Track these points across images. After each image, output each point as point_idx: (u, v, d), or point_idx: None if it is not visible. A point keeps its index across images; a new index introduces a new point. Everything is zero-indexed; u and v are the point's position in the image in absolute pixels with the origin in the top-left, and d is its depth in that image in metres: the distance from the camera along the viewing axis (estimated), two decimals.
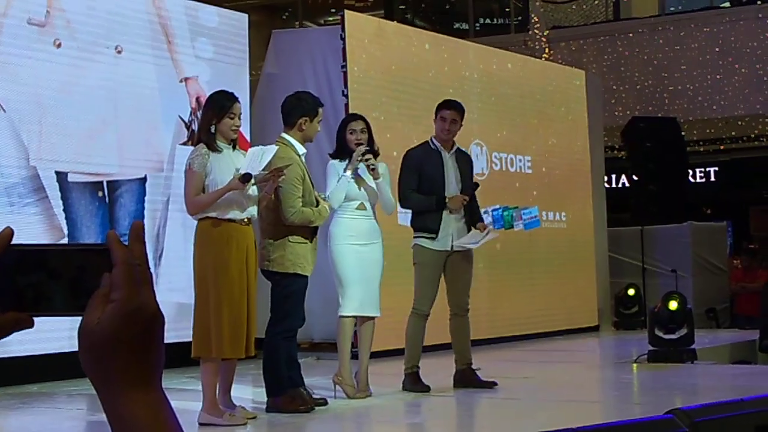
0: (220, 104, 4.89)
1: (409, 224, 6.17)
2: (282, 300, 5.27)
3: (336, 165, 5.71)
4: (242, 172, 4.78)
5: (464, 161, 6.15)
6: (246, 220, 4.88)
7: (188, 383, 6.75)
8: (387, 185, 5.73)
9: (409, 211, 6.25)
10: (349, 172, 5.63)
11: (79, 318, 0.92)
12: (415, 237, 6.07)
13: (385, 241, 6.29)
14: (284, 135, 5.41)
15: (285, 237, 5.24)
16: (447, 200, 5.92)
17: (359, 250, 5.70)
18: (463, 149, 6.40)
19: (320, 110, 5.46)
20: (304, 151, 5.43)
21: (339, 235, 5.69)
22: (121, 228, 7.46)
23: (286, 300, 5.25)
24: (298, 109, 5.40)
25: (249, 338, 4.87)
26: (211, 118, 4.86)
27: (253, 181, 4.82)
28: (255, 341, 5.01)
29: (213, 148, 4.83)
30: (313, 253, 5.42)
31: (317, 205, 5.38)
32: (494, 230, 6.00)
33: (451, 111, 6.09)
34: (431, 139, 6.13)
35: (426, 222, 5.99)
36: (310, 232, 5.34)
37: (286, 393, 5.28)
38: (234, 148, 4.96)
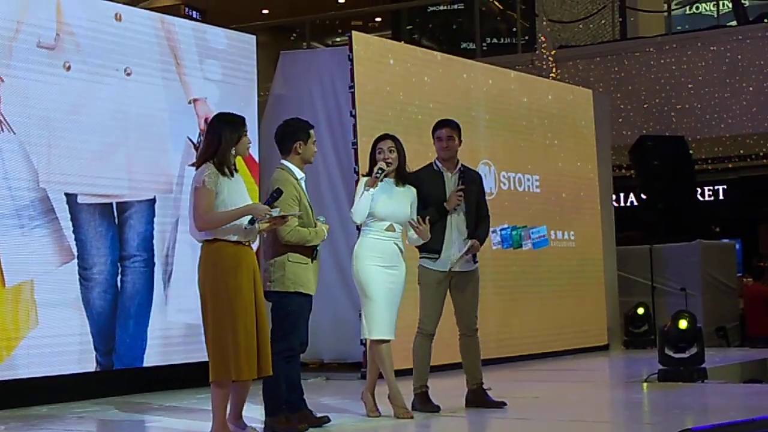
0: (235, 127, 4.91)
1: (413, 244, 6.16)
2: (281, 319, 5.29)
3: (363, 182, 5.77)
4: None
5: (471, 183, 6.13)
6: (248, 241, 4.91)
7: (198, 403, 6.75)
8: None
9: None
10: (372, 189, 5.67)
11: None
12: (419, 257, 6.08)
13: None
14: (283, 161, 5.48)
15: (284, 256, 5.27)
16: (445, 204, 5.92)
17: (386, 272, 5.72)
18: (472, 168, 6.39)
19: (311, 132, 5.53)
20: (303, 175, 5.46)
21: (365, 256, 5.70)
22: (130, 249, 7.48)
23: (286, 319, 5.25)
24: (290, 135, 5.48)
25: (267, 358, 4.85)
26: (231, 142, 4.87)
27: (257, 225, 4.86)
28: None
29: (226, 172, 4.83)
30: (316, 272, 5.43)
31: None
32: (471, 245, 5.95)
33: (445, 129, 6.11)
34: (434, 161, 6.15)
35: (429, 243, 6.00)
36: (310, 251, 5.36)
37: (284, 412, 5.28)
38: (236, 170, 5.00)
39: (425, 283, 6.04)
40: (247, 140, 4.96)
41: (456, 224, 6.01)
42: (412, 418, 5.72)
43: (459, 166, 6.13)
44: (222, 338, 4.75)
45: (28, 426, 6.04)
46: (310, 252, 5.37)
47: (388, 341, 5.73)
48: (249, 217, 4.80)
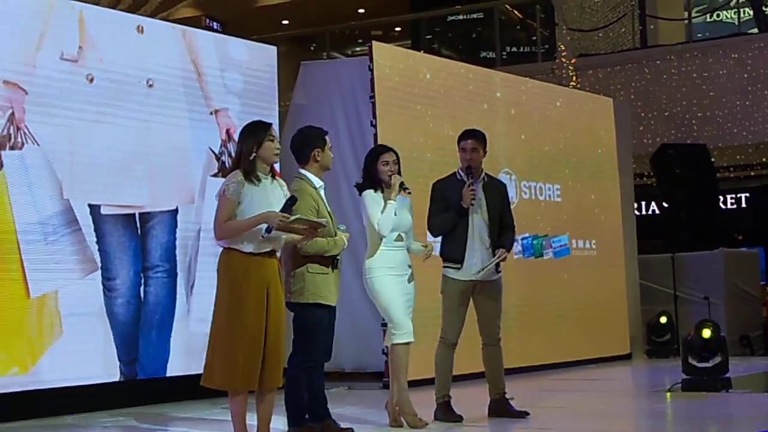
0: (257, 130, 4.92)
1: (436, 253, 6.16)
2: (302, 331, 5.29)
3: (373, 195, 5.74)
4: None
5: (493, 190, 6.13)
6: (268, 252, 4.85)
7: (221, 414, 6.76)
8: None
9: (439, 239, 6.25)
10: (392, 201, 5.68)
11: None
12: (442, 266, 6.09)
13: (414, 270, 6.30)
14: (301, 171, 5.48)
15: (304, 267, 5.27)
16: (462, 203, 5.92)
17: (399, 280, 5.73)
18: (497, 177, 6.39)
19: (327, 138, 5.54)
20: (322, 183, 5.45)
21: (379, 267, 5.70)
22: (153, 259, 7.52)
23: (306, 331, 5.25)
24: (308, 144, 5.48)
25: (273, 370, 4.84)
26: (252, 145, 4.86)
27: (273, 233, 4.79)
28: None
29: (251, 178, 4.82)
30: (336, 282, 5.42)
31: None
32: (500, 254, 5.95)
33: (470, 140, 6.11)
34: (458, 170, 6.15)
35: (451, 252, 6.01)
36: (329, 261, 5.35)
37: (306, 424, 5.28)
38: (273, 177, 4.96)
39: (448, 292, 6.04)
40: (272, 146, 4.89)
41: (478, 233, 6.00)
42: (426, 425, 5.70)
43: (483, 175, 6.14)
44: (216, 346, 4.76)
45: None
46: (330, 262, 5.37)
47: (408, 344, 5.73)
48: (265, 226, 4.77)
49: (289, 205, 4.88)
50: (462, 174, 6.09)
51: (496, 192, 6.14)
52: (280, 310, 4.89)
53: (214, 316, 4.83)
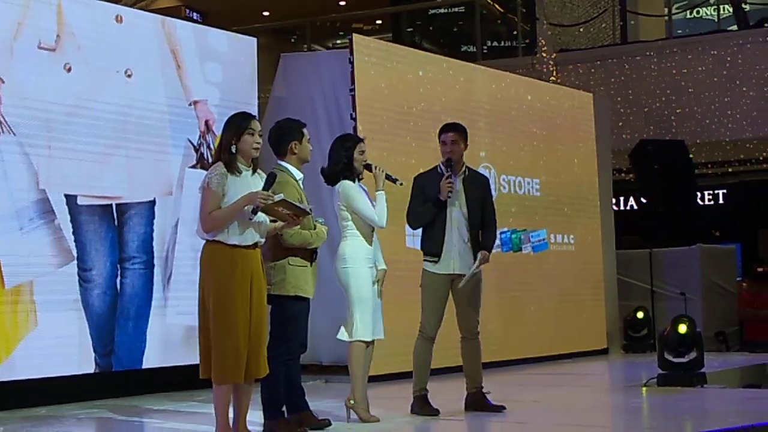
0: (238, 123, 4.89)
1: (415, 246, 6.16)
2: (281, 323, 5.28)
3: (354, 186, 5.72)
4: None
5: (474, 184, 6.12)
6: (252, 245, 4.85)
7: (198, 406, 6.75)
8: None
9: (418, 234, 6.25)
10: (384, 191, 5.68)
11: None
12: (423, 260, 6.09)
13: (394, 264, 6.30)
14: (280, 162, 5.46)
15: (285, 260, 5.25)
16: (438, 195, 5.91)
17: (371, 272, 5.72)
18: (479, 172, 6.37)
19: (305, 130, 5.53)
20: (301, 175, 5.45)
21: (358, 258, 5.67)
22: (130, 251, 7.48)
23: (286, 323, 5.24)
24: (285, 136, 5.48)
25: (258, 362, 4.83)
26: (231, 138, 4.84)
27: (261, 215, 4.78)
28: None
29: (232, 169, 4.80)
30: (314, 275, 5.42)
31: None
32: (481, 258, 5.95)
33: (451, 133, 6.11)
34: (439, 164, 6.14)
35: (429, 245, 6.01)
36: (309, 254, 5.35)
37: (282, 416, 5.27)
38: (254, 170, 4.94)
39: (426, 285, 6.04)
40: (251, 140, 4.85)
41: (457, 226, 6.00)
42: (378, 421, 5.69)
43: (464, 169, 6.13)
44: (206, 339, 4.75)
45: (27, 427, 6.03)
46: (310, 255, 5.37)
47: (372, 342, 5.72)
48: (251, 208, 4.74)
49: (270, 182, 4.88)
50: (443, 168, 6.08)
51: (477, 186, 6.14)
52: (262, 302, 4.88)
53: (201, 309, 4.79)
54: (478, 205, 6.06)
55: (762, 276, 12.35)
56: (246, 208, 4.72)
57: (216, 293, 4.72)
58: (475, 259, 6.01)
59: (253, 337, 4.78)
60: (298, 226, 5.18)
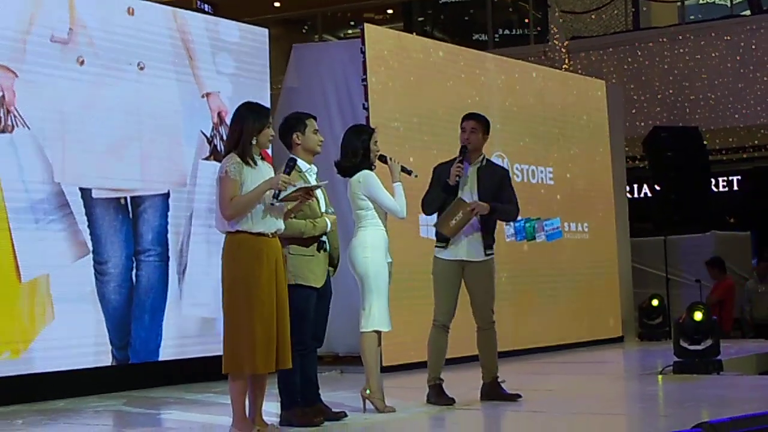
0: (259, 118, 4.89)
1: (428, 236, 6.15)
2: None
3: (375, 176, 5.72)
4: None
5: (489, 175, 6.10)
6: (273, 232, 4.87)
7: (214, 397, 6.78)
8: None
9: (432, 223, 6.24)
10: (400, 183, 5.71)
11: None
12: (434, 247, 6.09)
13: (407, 253, 6.30)
14: (291, 156, 5.46)
15: (285, 249, 5.24)
16: (447, 180, 5.91)
17: (387, 263, 5.73)
18: (494, 161, 6.34)
19: (308, 121, 5.50)
20: (309, 167, 5.43)
21: (379, 247, 5.67)
22: (145, 243, 7.50)
23: (291, 313, 5.21)
24: (287, 128, 5.48)
25: (285, 351, 4.84)
26: (254, 131, 4.84)
27: (279, 199, 4.83)
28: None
29: (249, 161, 4.81)
30: (324, 264, 5.40)
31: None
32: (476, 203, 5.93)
33: (470, 121, 6.11)
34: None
35: (438, 231, 6.00)
36: (310, 242, 5.33)
37: (299, 406, 5.28)
38: (262, 159, 4.96)
39: (436, 272, 6.04)
40: (269, 132, 4.90)
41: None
42: (393, 411, 5.70)
43: (482, 158, 6.10)
44: (237, 331, 4.73)
45: (46, 420, 6.07)
46: (312, 243, 5.34)
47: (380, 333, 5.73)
48: (272, 192, 4.76)
49: (291, 165, 4.94)
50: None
51: (492, 176, 6.10)
52: (285, 291, 4.89)
53: (226, 301, 4.78)
54: (489, 195, 6.02)
55: None
56: (267, 193, 4.72)
57: (244, 283, 4.71)
58: (484, 247, 5.99)
59: (281, 327, 4.79)
60: (293, 215, 5.18)
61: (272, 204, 4.78)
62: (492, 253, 6.09)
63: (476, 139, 6.06)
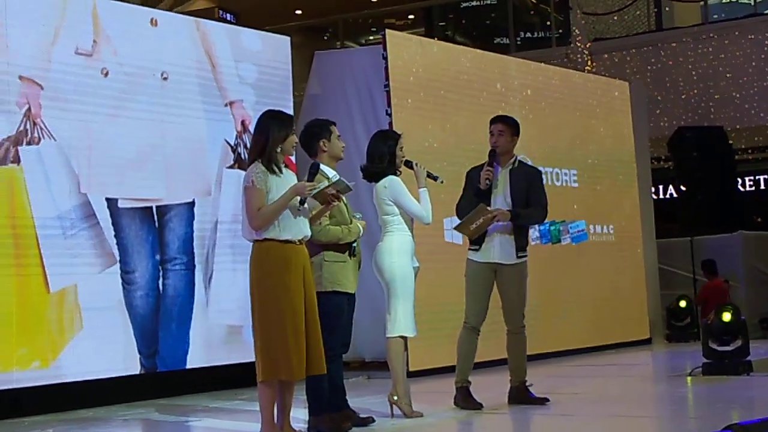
0: (283, 125, 4.91)
1: (454, 241, 6.14)
2: (321, 319, 5.27)
3: (401, 181, 5.74)
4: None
5: (521, 176, 6.08)
6: (300, 239, 4.88)
7: (241, 404, 6.80)
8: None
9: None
10: (426, 188, 5.72)
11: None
12: (468, 249, 6.09)
13: (434, 258, 6.29)
14: (312, 162, 5.48)
15: (320, 255, 5.26)
16: (478, 185, 5.90)
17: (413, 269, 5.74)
18: (530, 165, 6.33)
19: (332, 128, 5.53)
20: (334, 173, 5.44)
21: (406, 252, 5.68)
22: (171, 252, 7.55)
23: (324, 319, 5.21)
24: (313, 136, 5.49)
25: (318, 356, 4.85)
26: (279, 139, 4.86)
27: (306, 204, 4.86)
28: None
29: (274, 170, 4.83)
30: (355, 270, 5.42)
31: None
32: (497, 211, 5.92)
33: (498, 123, 6.11)
34: None
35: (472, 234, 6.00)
36: (345, 248, 5.35)
37: (327, 412, 5.29)
38: (286, 166, 4.99)
39: (469, 275, 6.04)
40: (294, 139, 4.93)
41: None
42: (421, 416, 5.70)
43: (513, 160, 6.09)
44: (270, 338, 4.74)
45: (75, 429, 6.11)
46: (346, 249, 5.37)
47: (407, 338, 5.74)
48: (298, 199, 4.79)
49: (313, 172, 5.00)
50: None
51: (524, 177, 6.07)
52: (314, 297, 4.91)
53: (257, 309, 4.79)
54: (522, 197, 6.01)
55: None
56: (293, 200, 4.76)
57: (274, 290, 4.72)
58: (517, 249, 5.98)
59: (312, 333, 4.81)
60: (327, 222, 5.20)
61: (298, 209, 4.80)
62: (525, 255, 6.06)
63: (504, 141, 6.05)
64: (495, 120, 6.18)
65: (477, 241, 5.97)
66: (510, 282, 6.01)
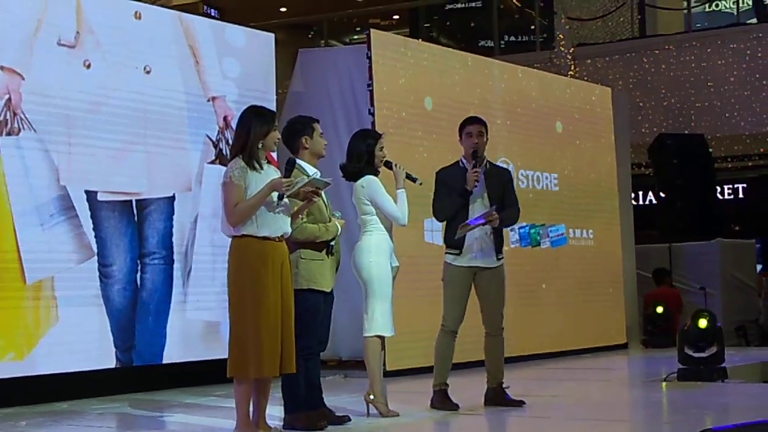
0: (264, 120, 4.90)
1: (434, 242, 6.14)
2: (297, 317, 5.26)
3: (378, 181, 5.73)
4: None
5: (495, 178, 6.10)
6: (279, 237, 4.87)
7: (217, 400, 6.78)
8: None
9: (437, 229, 6.24)
10: (404, 189, 5.71)
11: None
12: (444, 253, 6.08)
13: (413, 259, 6.30)
14: (289, 157, 5.47)
15: (297, 253, 5.25)
16: (466, 186, 5.90)
17: (390, 269, 5.74)
18: (498, 165, 6.34)
19: (315, 125, 5.52)
20: (315, 171, 5.44)
21: (383, 252, 5.68)
22: (150, 246, 7.51)
23: (300, 317, 5.20)
24: (295, 133, 5.49)
25: (290, 355, 4.84)
26: (260, 135, 4.85)
27: (285, 199, 4.85)
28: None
29: (255, 166, 4.82)
30: (332, 268, 5.42)
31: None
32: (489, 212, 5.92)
33: (475, 125, 6.11)
34: (461, 158, 6.13)
35: (450, 238, 5.99)
36: (322, 246, 5.35)
37: (303, 410, 5.28)
38: (268, 163, 4.97)
39: (448, 279, 6.02)
40: (275, 135, 4.93)
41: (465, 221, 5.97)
42: (397, 415, 5.71)
43: (485, 162, 6.10)
44: (243, 335, 4.73)
45: (49, 422, 6.08)
46: (323, 247, 5.36)
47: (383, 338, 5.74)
48: (276, 195, 4.78)
49: (289, 168, 4.98)
50: (465, 161, 6.07)
51: (498, 179, 6.11)
52: (291, 295, 4.90)
53: (233, 304, 4.79)
54: (499, 198, 6.04)
55: None
56: (272, 195, 4.75)
57: (250, 286, 4.71)
58: (496, 252, 5.99)
59: (286, 331, 4.79)
60: (304, 219, 5.19)
61: (278, 203, 4.79)
62: (502, 257, 6.09)
63: (482, 142, 6.07)
64: (473, 121, 6.16)
65: (456, 245, 5.97)
66: (490, 285, 6.03)
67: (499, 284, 6.06)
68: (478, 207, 5.97)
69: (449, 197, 5.97)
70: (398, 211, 5.69)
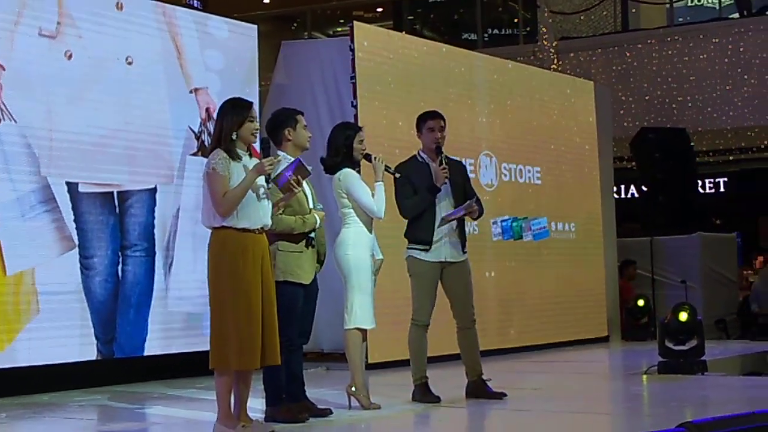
0: (239, 111, 4.89)
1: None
2: (277, 310, 5.26)
3: (355, 174, 5.73)
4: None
5: (455, 171, 6.10)
6: (260, 228, 4.86)
7: (198, 393, 6.77)
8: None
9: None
10: (382, 182, 5.69)
11: None
12: (408, 248, 6.05)
13: (392, 252, 6.29)
14: (278, 152, 5.47)
15: (274, 245, 5.24)
16: (435, 183, 5.89)
17: (371, 262, 5.73)
18: (454, 158, 6.31)
19: (298, 117, 5.52)
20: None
21: (360, 245, 5.67)
22: (131, 238, 7.49)
23: (279, 310, 5.21)
24: (278, 125, 5.49)
25: (273, 347, 4.83)
26: (233, 125, 4.85)
27: (271, 184, 4.87)
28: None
29: (233, 156, 4.81)
30: (312, 260, 5.41)
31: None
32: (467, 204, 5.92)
33: (437, 120, 6.09)
34: (418, 153, 6.11)
35: (420, 234, 5.97)
36: (300, 238, 5.34)
37: (285, 403, 5.28)
38: (250, 155, 4.95)
39: (418, 273, 6.01)
40: (252, 126, 4.89)
41: (445, 213, 5.98)
42: (379, 408, 5.72)
43: (443, 156, 6.08)
44: (224, 327, 4.72)
45: (30, 414, 6.05)
46: (301, 239, 5.35)
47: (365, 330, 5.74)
48: (262, 178, 4.78)
49: (265, 147, 4.97)
50: (423, 155, 6.06)
51: (458, 173, 6.12)
52: (272, 287, 4.89)
53: (212, 296, 4.78)
54: (461, 192, 6.05)
55: None
56: (259, 183, 4.76)
57: (229, 278, 4.70)
58: (461, 246, 6.01)
59: (268, 323, 4.78)
60: (282, 210, 5.18)
61: (269, 188, 4.79)
62: (467, 252, 6.11)
63: (444, 136, 6.07)
64: (435, 115, 6.12)
65: (425, 239, 5.96)
66: (460, 279, 6.04)
67: (467, 277, 6.08)
68: (444, 202, 5.97)
69: (417, 194, 5.94)
70: (374, 204, 5.67)
